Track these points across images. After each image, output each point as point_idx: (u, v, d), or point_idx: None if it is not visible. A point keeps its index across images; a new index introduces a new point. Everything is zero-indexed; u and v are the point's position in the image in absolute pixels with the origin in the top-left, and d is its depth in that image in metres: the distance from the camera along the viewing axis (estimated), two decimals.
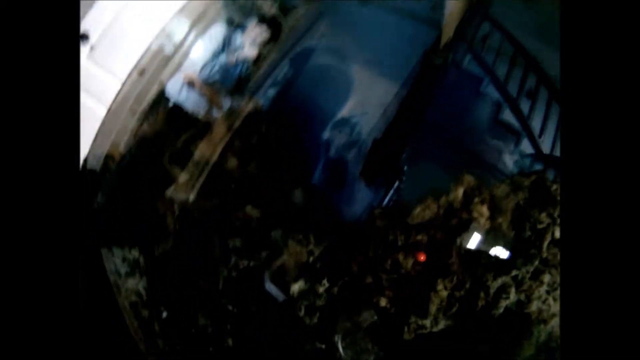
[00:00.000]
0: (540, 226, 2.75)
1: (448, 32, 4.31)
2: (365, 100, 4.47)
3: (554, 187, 2.86)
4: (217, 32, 3.71)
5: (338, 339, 2.84)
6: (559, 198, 2.85)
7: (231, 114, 3.87)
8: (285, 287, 2.93)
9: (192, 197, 3.59)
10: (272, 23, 3.86)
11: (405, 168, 4.31)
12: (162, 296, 2.84)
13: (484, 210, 2.67)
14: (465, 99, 4.54)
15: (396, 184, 4.30)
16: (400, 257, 2.62)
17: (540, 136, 4.41)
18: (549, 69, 4.52)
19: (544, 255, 2.77)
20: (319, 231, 2.92)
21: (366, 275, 2.77)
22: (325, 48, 4.54)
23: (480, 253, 2.64)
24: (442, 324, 2.79)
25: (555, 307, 2.84)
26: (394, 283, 2.73)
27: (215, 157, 3.78)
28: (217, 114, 3.85)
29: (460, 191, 2.71)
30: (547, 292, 2.80)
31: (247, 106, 4.01)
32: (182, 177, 3.64)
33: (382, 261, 2.67)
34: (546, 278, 2.77)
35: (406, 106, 3.76)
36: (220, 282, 2.81)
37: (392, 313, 2.78)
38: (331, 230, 2.96)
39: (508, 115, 4.53)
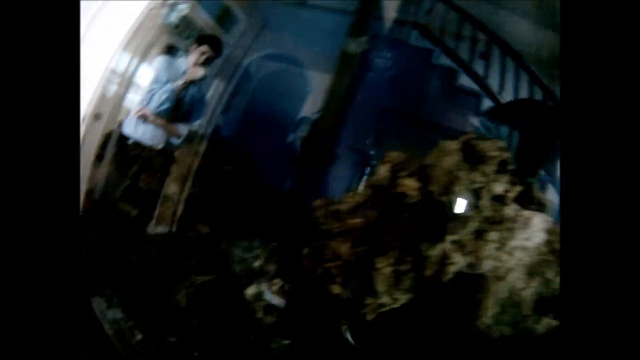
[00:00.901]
0: (474, 186, 2.58)
1: (391, 11, 4.17)
2: (321, 97, 4.36)
3: (484, 144, 2.68)
4: (160, 61, 3.66)
5: (345, 330, 2.77)
6: (490, 154, 2.68)
7: (192, 138, 3.84)
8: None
9: (174, 228, 3.60)
10: (211, 41, 3.78)
11: (373, 152, 4.19)
12: (135, 321, 2.84)
13: (412, 182, 2.54)
14: (419, 73, 4.37)
15: (368, 170, 4.19)
16: (335, 244, 2.51)
17: (499, 93, 4.20)
18: (497, 29, 4.31)
19: (485, 214, 2.60)
20: (265, 234, 2.86)
21: (316, 267, 2.66)
22: (275, 55, 4.46)
23: (414, 225, 2.49)
24: (403, 299, 2.65)
25: (511, 262, 2.67)
26: (341, 270, 2.62)
27: (188, 184, 3.77)
28: (176, 141, 3.82)
29: (383, 169, 2.59)
30: (498, 249, 2.61)
31: (208, 127, 3.97)
32: (160, 209, 3.63)
33: (322, 251, 2.56)
34: (492, 236, 2.60)
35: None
36: (181, 300, 2.78)
37: (348, 298, 2.67)
38: (277, 230, 2.89)
39: (465, 80, 4.32)
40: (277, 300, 2.88)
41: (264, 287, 2.91)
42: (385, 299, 2.66)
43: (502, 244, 2.64)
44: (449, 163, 2.58)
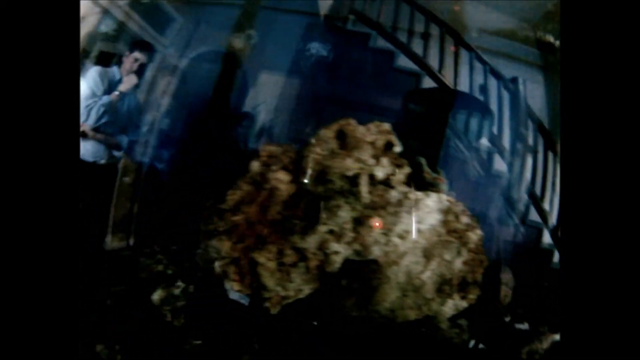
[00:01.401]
0: (349, 173, 2.49)
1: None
2: (260, 93, 4.31)
3: (360, 129, 2.58)
4: (94, 73, 3.67)
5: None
6: (367, 139, 2.58)
7: (133, 149, 3.88)
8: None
9: (131, 241, 3.67)
10: (143, 46, 3.76)
11: (313, 141, 4.07)
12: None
13: (283, 175, 2.47)
14: (356, 58, 4.24)
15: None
16: (217, 243, 2.49)
17: (440, 71, 4.03)
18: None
19: (365, 200, 2.50)
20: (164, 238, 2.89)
21: (211, 267, 2.66)
22: (213, 53, 4.39)
23: (286, 217, 2.43)
24: (307, 289, 2.59)
25: (404, 246, 2.57)
26: (234, 267, 2.60)
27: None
28: (119, 154, 3.86)
29: (255, 165, 2.54)
30: (384, 235, 2.51)
31: (151, 133, 3.98)
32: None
33: (209, 251, 2.56)
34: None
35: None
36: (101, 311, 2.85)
37: (249, 294, 2.65)
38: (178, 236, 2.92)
39: (403, 61, 4.16)
40: (243, 298, 2.89)
41: (227, 286, 2.92)
42: (287, 292, 2.61)
43: (388, 229, 2.52)
44: (319, 152, 2.48)
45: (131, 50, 3.70)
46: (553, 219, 3.96)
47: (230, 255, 2.56)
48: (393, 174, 2.60)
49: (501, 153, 3.95)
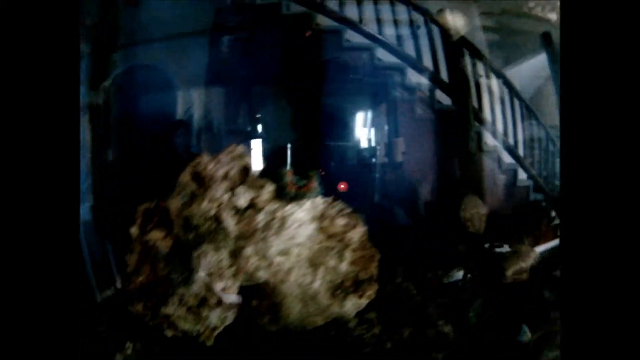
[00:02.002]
0: (210, 214, 2.58)
1: None
2: (188, 93, 4.33)
3: (210, 164, 2.61)
4: None
5: None
6: (220, 173, 2.62)
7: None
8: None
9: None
10: None
11: (249, 129, 4.07)
12: None
13: (156, 234, 2.65)
14: (271, 31, 4.07)
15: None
16: (135, 307, 2.77)
17: (361, 22, 3.80)
18: None
19: (232, 234, 2.59)
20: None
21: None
22: (137, 66, 4.39)
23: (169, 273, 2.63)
24: (229, 316, 2.79)
25: (289, 262, 2.65)
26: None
27: None
28: None
29: (133, 229, 2.71)
30: (263, 259, 2.60)
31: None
32: None
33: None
34: (247, 252, 2.59)
35: None
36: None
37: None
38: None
39: (322, 20, 3.94)
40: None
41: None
42: (212, 324, 2.80)
43: (262, 255, 2.59)
44: (177, 202, 2.59)
45: None
46: (509, 140, 3.66)
47: (147, 314, 2.82)
48: (256, 197, 2.61)
49: (443, 88, 3.61)
